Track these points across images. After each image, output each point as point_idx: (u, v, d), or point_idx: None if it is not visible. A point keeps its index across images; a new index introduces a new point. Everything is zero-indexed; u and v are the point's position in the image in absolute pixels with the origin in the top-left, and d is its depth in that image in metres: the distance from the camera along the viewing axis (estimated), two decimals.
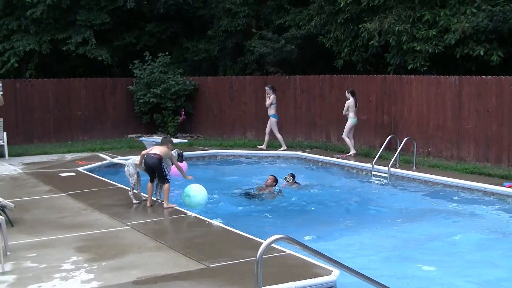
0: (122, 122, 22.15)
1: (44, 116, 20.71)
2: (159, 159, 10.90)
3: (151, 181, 11.14)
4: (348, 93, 17.51)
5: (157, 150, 11.04)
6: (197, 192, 11.08)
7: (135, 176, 11.24)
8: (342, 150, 18.12)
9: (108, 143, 20.03)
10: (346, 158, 17.05)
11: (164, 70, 22.06)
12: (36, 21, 22.39)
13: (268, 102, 18.64)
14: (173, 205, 11.07)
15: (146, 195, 11.28)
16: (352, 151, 17.41)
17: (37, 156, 17.95)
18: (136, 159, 11.30)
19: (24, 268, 7.68)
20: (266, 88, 18.85)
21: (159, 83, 21.56)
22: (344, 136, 17.51)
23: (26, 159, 17.35)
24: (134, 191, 11.42)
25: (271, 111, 18.68)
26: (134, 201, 11.30)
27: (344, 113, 17.61)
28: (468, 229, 11.02)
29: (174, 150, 11.47)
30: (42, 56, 22.76)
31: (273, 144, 19.04)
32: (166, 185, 11.00)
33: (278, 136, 18.73)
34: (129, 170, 11.24)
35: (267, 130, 18.89)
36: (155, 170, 10.97)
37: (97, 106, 21.69)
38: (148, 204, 11.14)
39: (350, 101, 17.41)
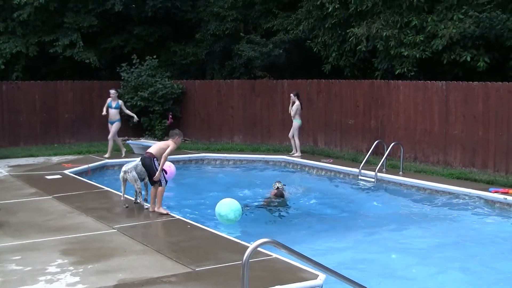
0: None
1: (30, 119, 20.61)
2: (150, 158, 10.61)
3: (152, 183, 10.86)
4: (294, 96, 18.16)
5: (156, 147, 10.85)
6: (225, 209, 11.07)
7: (139, 181, 11.12)
8: (329, 155, 18.16)
9: (95, 146, 19.97)
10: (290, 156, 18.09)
11: (152, 73, 22.03)
12: (23, 23, 22.28)
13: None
14: (166, 211, 10.70)
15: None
16: (298, 153, 18.20)
17: (23, 158, 17.87)
18: (132, 163, 11.15)
19: (9, 271, 7.62)
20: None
21: (146, 86, 21.52)
22: (291, 136, 18.34)
23: (12, 161, 17.26)
24: (140, 200, 11.36)
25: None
26: (146, 206, 11.14)
27: (293, 116, 18.20)
28: (453, 234, 11.08)
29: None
30: (29, 58, 22.66)
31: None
32: (159, 188, 10.66)
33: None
34: (134, 175, 11.01)
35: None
36: (148, 170, 10.71)
37: (84, 109, 21.62)
38: (151, 209, 10.86)
39: (298, 104, 18.05)
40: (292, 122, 18.34)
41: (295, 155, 18.29)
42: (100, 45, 23.98)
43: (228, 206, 11.07)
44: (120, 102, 17.80)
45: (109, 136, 17.77)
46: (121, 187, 11.40)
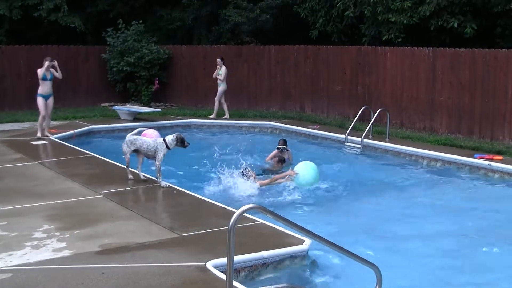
0: (95, 90, 21.91)
1: (15, 84, 20.41)
2: None
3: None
4: (221, 60, 18.91)
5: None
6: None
7: (128, 155, 10.47)
8: (316, 121, 18.18)
9: (81, 111, 19.84)
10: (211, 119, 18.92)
11: (138, 38, 21.82)
12: None
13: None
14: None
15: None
16: (227, 115, 19.17)
17: (8, 124, 17.77)
18: (133, 137, 10.51)
19: None
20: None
21: (132, 51, 21.34)
22: (216, 100, 18.89)
23: None
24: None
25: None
26: (130, 176, 10.64)
27: (222, 80, 18.95)
28: (439, 199, 11.17)
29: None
30: (13, 22, 22.33)
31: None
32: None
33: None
34: (123, 147, 10.47)
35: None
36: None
37: (70, 74, 21.35)
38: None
39: (225, 69, 18.80)
40: (217, 86, 19.18)
41: (226, 117, 19.10)
42: (85, 9, 23.67)
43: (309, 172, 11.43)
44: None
45: None
46: (127, 162, 10.67)
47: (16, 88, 20.43)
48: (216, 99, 19.13)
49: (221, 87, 19.03)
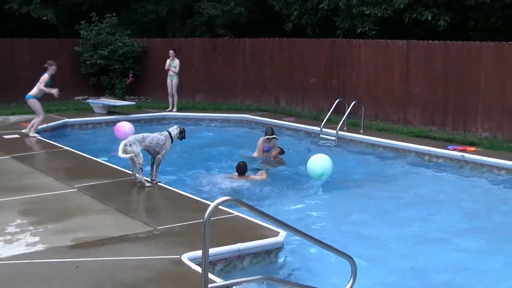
0: (69, 84, 21.62)
1: None
2: None
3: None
4: (174, 52, 19.01)
5: None
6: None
7: (141, 154, 9.64)
8: (291, 114, 18.22)
9: (54, 105, 19.55)
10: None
11: (112, 31, 21.65)
12: None
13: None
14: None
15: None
16: (175, 109, 19.18)
17: None
18: (138, 135, 9.87)
19: None
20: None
21: (106, 44, 21.18)
22: (175, 92, 19.09)
23: None
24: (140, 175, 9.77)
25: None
26: (147, 184, 9.76)
27: (177, 72, 18.94)
28: (412, 190, 11.28)
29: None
30: None
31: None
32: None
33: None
34: (133, 149, 9.54)
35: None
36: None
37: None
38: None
39: (178, 61, 19.00)
40: (168, 77, 19.18)
41: (174, 111, 19.08)
42: (58, 1, 23.42)
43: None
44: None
45: None
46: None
47: None
48: (175, 92, 19.08)
49: (176, 79, 19.01)
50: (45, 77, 14.36)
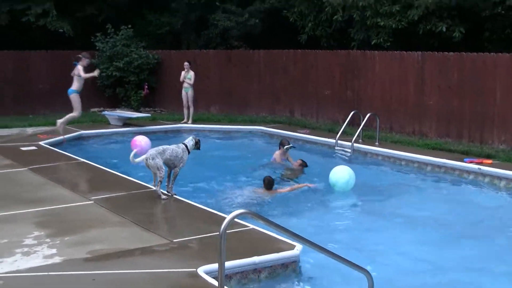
0: (85, 95, 21.48)
1: (2, 89, 20.30)
2: None
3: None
4: (189, 64, 18.93)
5: None
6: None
7: (164, 168, 9.65)
8: (306, 126, 18.21)
9: None
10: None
11: (127, 43, 21.79)
12: None
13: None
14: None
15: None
16: (190, 121, 19.15)
17: None
18: (159, 148, 9.81)
19: None
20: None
21: (121, 56, 21.31)
22: (191, 105, 19.05)
23: None
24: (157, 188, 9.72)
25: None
26: (163, 197, 9.71)
27: (191, 84, 18.87)
28: (429, 203, 11.21)
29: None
30: (1, 27, 22.23)
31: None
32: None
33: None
34: (157, 162, 9.53)
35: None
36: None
37: (59, 79, 21.17)
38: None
39: (193, 73, 19.02)
40: (183, 89, 19.11)
41: (189, 123, 19.06)
42: (74, 13, 23.60)
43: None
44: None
45: None
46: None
47: (3, 94, 20.33)
48: (191, 104, 19.08)
49: (191, 91, 18.99)
50: (79, 67, 14.61)
